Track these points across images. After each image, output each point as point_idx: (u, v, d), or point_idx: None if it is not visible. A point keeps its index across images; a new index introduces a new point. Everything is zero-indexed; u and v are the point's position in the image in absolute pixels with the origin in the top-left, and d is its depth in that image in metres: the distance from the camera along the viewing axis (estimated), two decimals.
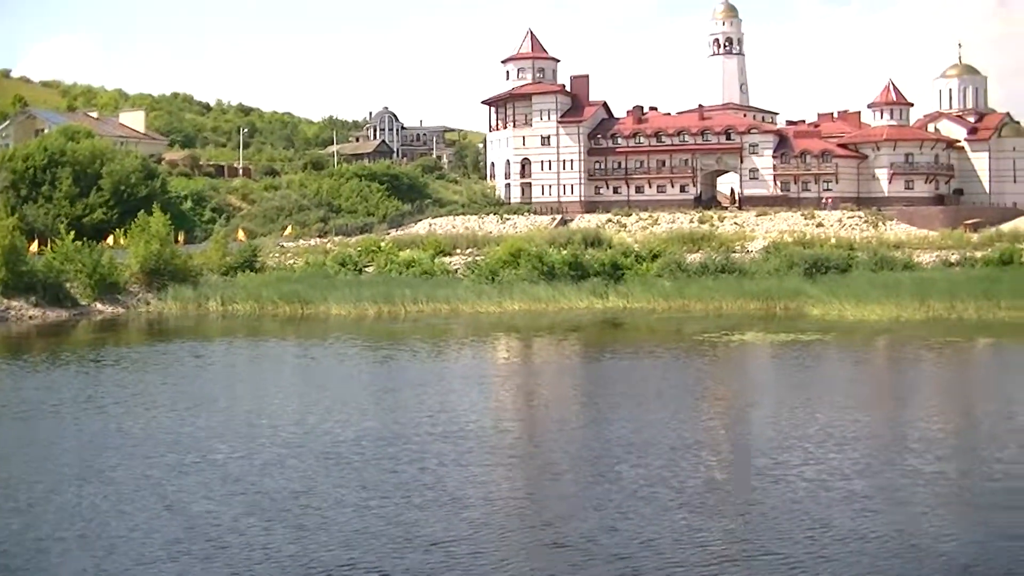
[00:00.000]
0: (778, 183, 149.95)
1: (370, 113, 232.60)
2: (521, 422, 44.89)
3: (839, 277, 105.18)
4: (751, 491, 32.78)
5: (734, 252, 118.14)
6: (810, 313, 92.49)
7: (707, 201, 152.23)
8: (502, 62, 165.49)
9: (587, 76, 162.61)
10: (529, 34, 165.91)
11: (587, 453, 38.68)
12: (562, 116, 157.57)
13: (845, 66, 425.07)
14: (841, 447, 38.93)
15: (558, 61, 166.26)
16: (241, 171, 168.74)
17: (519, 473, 35.47)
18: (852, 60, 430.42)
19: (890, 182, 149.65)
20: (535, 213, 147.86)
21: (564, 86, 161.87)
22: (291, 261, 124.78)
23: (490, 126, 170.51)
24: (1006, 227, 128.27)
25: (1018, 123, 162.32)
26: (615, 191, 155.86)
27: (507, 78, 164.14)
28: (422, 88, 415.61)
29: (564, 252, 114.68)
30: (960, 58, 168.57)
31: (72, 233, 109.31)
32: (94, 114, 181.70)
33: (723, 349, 71.38)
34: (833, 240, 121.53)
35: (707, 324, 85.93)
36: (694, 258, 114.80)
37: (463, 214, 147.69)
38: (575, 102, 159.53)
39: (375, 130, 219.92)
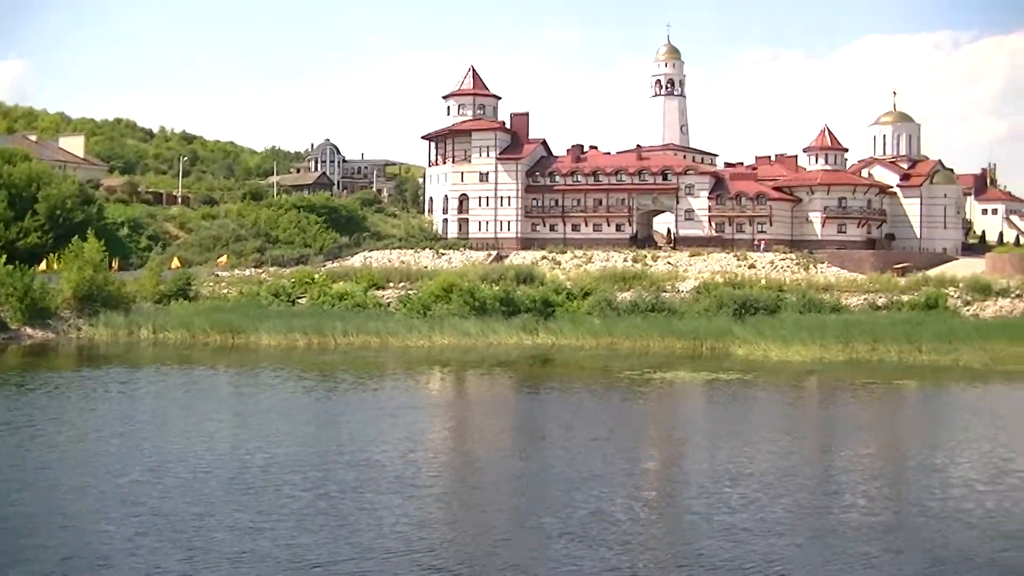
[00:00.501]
0: (713, 224, 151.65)
1: (312, 145, 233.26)
2: (428, 453, 45.47)
3: (767, 318, 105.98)
4: (638, 523, 33.60)
5: (665, 292, 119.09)
6: (735, 353, 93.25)
7: (643, 240, 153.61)
8: (443, 98, 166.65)
9: (527, 114, 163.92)
10: (471, 71, 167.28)
11: (487, 483, 39.59)
12: (501, 153, 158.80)
13: (785, 110, 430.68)
14: (735, 482, 39.90)
15: (499, 98, 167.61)
16: (180, 199, 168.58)
17: (414, 501, 35.97)
18: (792, 105, 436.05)
19: (823, 225, 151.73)
20: (472, 249, 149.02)
21: (504, 123, 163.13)
22: (225, 291, 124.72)
23: (430, 161, 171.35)
24: (934, 272, 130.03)
25: (950, 170, 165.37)
26: (552, 228, 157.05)
27: (448, 114, 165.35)
28: (365, 121, 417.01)
29: (496, 288, 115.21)
30: (895, 105, 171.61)
31: (4, 256, 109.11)
32: (33, 137, 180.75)
33: (643, 387, 72.11)
34: (763, 281, 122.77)
35: (633, 362, 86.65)
36: (625, 296, 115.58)
37: (400, 248, 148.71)
38: (515, 139, 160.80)
39: (316, 162, 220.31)
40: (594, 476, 40.73)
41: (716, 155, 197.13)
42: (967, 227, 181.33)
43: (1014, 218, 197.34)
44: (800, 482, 40.13)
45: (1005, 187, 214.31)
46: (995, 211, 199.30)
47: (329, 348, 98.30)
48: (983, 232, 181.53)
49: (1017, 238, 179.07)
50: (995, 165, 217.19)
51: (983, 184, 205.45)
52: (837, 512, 35.28)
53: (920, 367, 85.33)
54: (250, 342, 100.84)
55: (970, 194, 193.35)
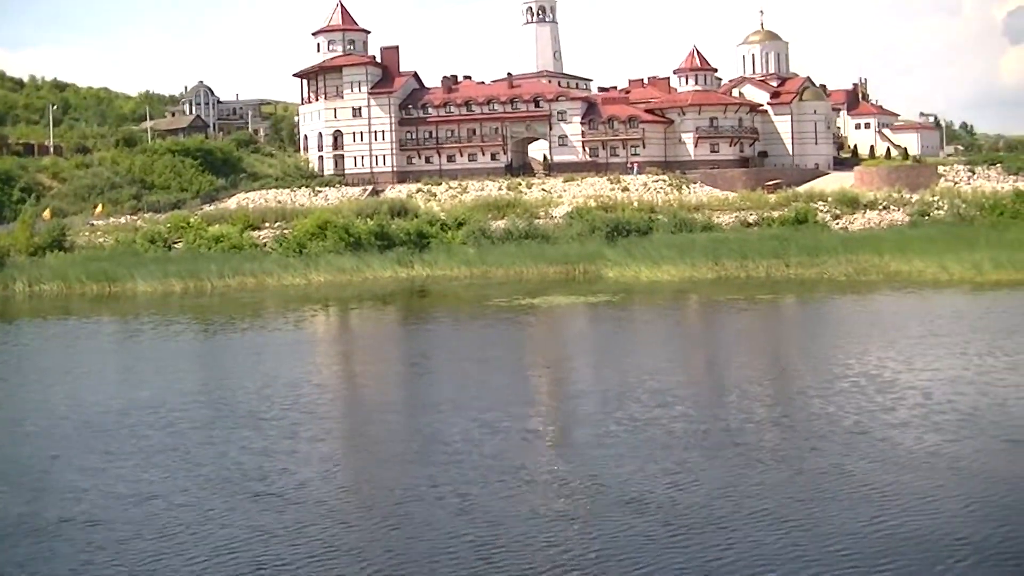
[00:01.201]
0: (587, 149, 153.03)
1: (185, 87, 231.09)
2: (284, 387, 45.70)
3: (639, 240, 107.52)
4: (465, 441, 34.36)
5: (538, 219, 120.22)
6: (607, 276, 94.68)
7: (518, 168, 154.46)
8: (313, 34, 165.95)
9: (397, 47, 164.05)
10: (339, 6, 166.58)
11: (336, 414, 40.43)
12: (373, 87, 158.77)
13: (658, 33, 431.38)
14: (575, 400, 41.17)
15: (368, 33, 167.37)
16: (52, 149, 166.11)
17: (261, 433, 36.52)
18: (664, 27, 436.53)
19: (696, 146, 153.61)
20: (348, 185, 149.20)
21: (375, 58, 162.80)
22: (101, 239, 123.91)
23: (302, 99, 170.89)
24: (804, 188, 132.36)
25: (818, 87, 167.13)
26: (427, 161, 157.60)
27: (318, 51, 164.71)
28: (240, 62, 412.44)
29: (370, 223, 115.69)
30: (762, 24, 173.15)
31: None
32: None
33: (512, 314, 72.57)
34: (635, 204, 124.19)
35: (506, 290, 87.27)
36: (499, 225, 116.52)
37: (276, 187, 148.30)
38: (386, 73, 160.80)
39: (191, 105, 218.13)
40: (448, 402, 41.47)
41: (590, 80, 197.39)
42: (840, 142, 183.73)
43: (886, 131, 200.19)
44: (638, 396, 41.04)
45: (876, 101, 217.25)
46: (867, 125, 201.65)
47: (205, 292, 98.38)
48: (855, 146, 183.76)
49: (888, 151, 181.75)
50: (866, 80, 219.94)
51: (855, 99, 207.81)
52: (665, 423, 36.20)
53: (786, 281, 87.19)
54: (126, 290, 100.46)
55: (841, 109, 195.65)
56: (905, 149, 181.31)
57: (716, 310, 74.24)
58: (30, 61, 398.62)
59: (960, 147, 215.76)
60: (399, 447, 34.37)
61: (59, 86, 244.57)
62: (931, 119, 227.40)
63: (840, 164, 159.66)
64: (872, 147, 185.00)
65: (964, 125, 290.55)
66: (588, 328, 67.60)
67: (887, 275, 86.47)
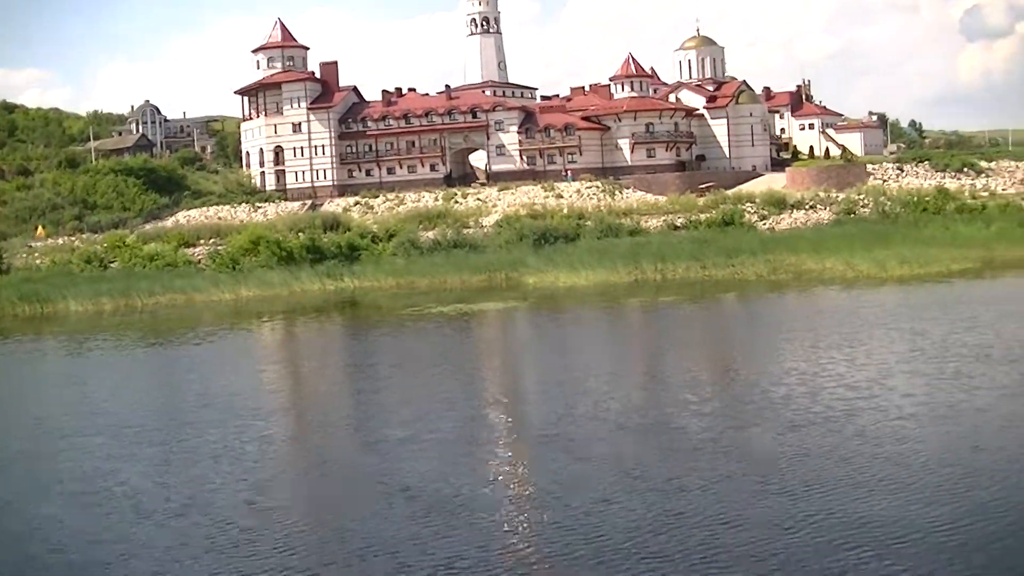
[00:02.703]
0: (524, 158, 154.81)
1: (132, 107, 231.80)
2: (180, 404, 47.19)
3: (565, 246, 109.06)
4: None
5: (468, 228, 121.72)
6: (527, 283, 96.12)
7: (458, 179, 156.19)
8: (252, 52, 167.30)
9: (336, 63, 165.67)
10: (278, 23, 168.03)
11: (190, 417, 41.76)
12: (312, 103, 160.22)
13: (603, 41, 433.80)
14: (448, 408, 42.80)
15: (308, 49, 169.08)
16: None
17: (119, 440, 38.02)
18: (608, 35, 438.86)
19: (632, 151, 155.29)
20: (289, 200, 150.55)
21: (314, 73, 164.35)
22: (38, 261, 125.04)
23: (243, 116, 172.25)
24: (736, 190, 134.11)
25: (753, 90, 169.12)
26: (368, 174, 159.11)
27: (258, 67, 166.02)
28: (188, 82, 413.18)
29: (302, 237, 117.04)
30: (698, 30, 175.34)
31: None
32: None
33: (405, 321, 75.05)
34: (565, 211, 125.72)
35: (421, 299, 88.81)
36: (429, 236, 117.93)
37: (217, 204, 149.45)
38: (325, 89, 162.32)
39: (137, 124, 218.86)
40: (334, 412, 43.12)
41: (536, 88, 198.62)
42: (783, 143, 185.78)
43: (830, 131, 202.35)
44: (489, 395, 42.75)
45: (821, 102, 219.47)
46: (811, 126, 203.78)
47: (136, 309, 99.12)
48: (795, 148, 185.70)
49: (827, 151, 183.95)
50: (809, 81, 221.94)
51: (799, 100, 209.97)
52: (487, 421, 38.02)
53: (698, 283, 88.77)
54: (58, 310, 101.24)
55: (785, 111, 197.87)
56: (843, 148, 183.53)
57: (612, 312, 76.55)
58: None
59: (903, 145, 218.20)
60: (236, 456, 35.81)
61: (7, 107, 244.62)
62: (874, 118, 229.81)
63: (779, 165, 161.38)
64: (813, 148, 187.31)
65: (913, 123, 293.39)
66: (482, 333, 69.53)
67: (797, 274, 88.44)
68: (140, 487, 31.62)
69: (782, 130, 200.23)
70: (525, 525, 26.22)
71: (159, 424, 41.32)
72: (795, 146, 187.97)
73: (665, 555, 23.09)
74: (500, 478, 30.94)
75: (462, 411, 40.31)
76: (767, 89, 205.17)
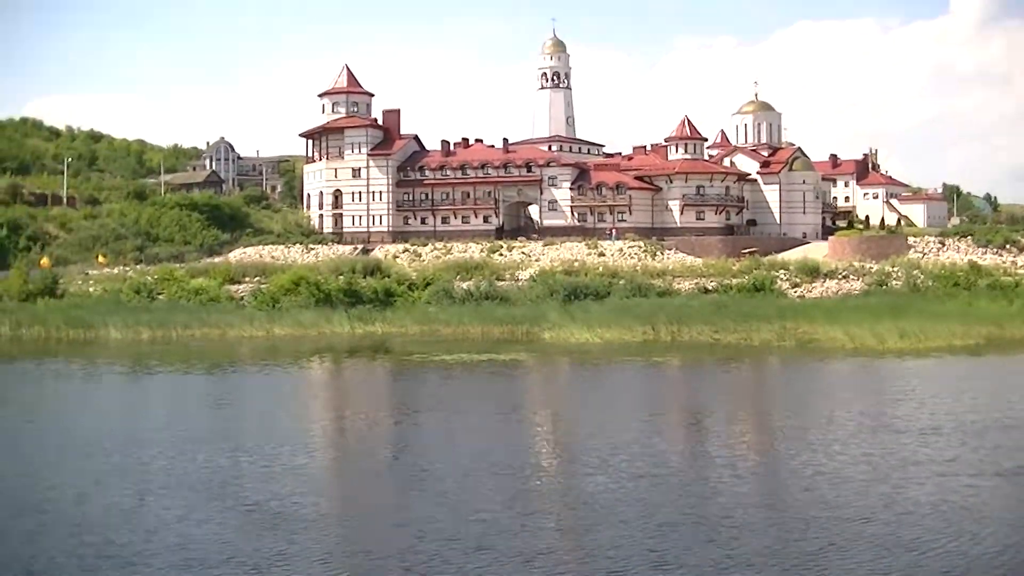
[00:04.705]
0: (575, 214, 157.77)
1: (208, 143, 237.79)
2: (154, 433, 50.61)
3: (593, 303, 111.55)
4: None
5: (502, 280, 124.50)
6: (543, 337, 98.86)
7: (511, 231, 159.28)
8: (318, 96, 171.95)
9: (398, 111, 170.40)
10: (345, 69, 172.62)
11: (154, 452, 44.99)
12: (372, 149, 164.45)
13: (674, 102, 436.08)
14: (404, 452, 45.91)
15: (372, 96, 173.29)
16: (66, 200, 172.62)
17: (118, 479, 41.14)
18: (678, 96, 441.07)
19: (682, 213, 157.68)
20: (344, 243, 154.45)
21: (376, 120, 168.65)
22: (91, 288, 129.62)
23: (306, 158, 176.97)
24: (782, 256, 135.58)
25: (807, 157, 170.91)
26: (422, 221, 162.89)
27: (323, 111, 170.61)
28: (263, 121, 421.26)
29: (341, 280, 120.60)
30: (756, 95, 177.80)
31: None
32: None
33: (410, 366, 78.57)
34: (600, 268, 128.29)
35: (438, 347, 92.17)
36: (464, 286, 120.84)
37: (274, 244, 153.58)
38: (386, 135, 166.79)
39: (211, 160, 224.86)
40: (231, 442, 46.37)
41: (602, 145, 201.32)
42: (836, 211, 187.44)
43: (894, 201, 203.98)
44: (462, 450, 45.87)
45: (887, 172, 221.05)
46: (876, 195, 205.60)
47: (171, 340, 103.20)
48: (853, 217, 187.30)
49: (898, 220, 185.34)
50: (876, 150, 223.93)
51: (865, 169, 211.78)
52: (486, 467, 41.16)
53: (705, 345, 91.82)
54: (99, 336, 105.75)
55: (838, 178, 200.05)
56: (899, 219, 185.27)
57: (601, 371, 79.20)
58: (71, 109, 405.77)
59: (966, 219, 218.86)
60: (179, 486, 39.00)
61: (94, 137, 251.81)
62: (938, 190, 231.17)
63: (832, 233, 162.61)
64: (869, 217, 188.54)
65: (988, 196, 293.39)
66: (464, 383, 72.92)
67: (801, 342, 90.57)
68: None
69: (847, 198, 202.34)
70: None
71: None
72: (856, 215, 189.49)
73: None
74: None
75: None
76: (834, 156, 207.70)
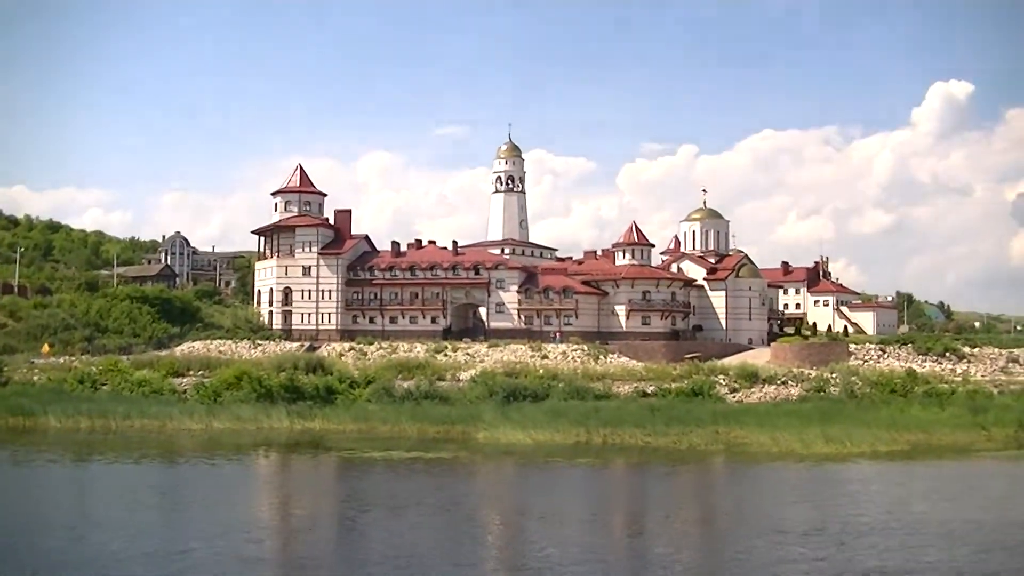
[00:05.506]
0: (522, 316, 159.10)
1: (163, 236, 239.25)
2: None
3: (531, 405, 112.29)
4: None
5: (443, 380, 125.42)
6: (476, 437, 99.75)
7: (459, 332, 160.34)
8: (272, 194, 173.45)
9: (349, 211, 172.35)
10: (299, 169, 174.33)
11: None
12: (323, 248, 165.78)
13: (635, 207, 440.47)
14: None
15: (325, 195, 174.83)
16: (17, 288, 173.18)
17: None
18: (640, 202, 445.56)
19: (628, 318, 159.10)
20: (292, 340, 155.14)
21: (328, 219, 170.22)
22: (36, 377, 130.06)
23: (259, 254, 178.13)
24: (721, 362, 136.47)
25: (754, 265, 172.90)
26: (371, 320, 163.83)
27: (275, 210, 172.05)
28: (220, 216, 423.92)
29: (283, 376, 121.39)
30: (704, 202, 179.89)
31: None
32: None
33: (341, 462, 79.62)
34: (541, 371, 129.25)
35: (370, 444, 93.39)
36: (405, 385, 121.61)
37: (222, 338, 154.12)
38: (337, 235, 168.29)
39: (167, 254, 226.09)
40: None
41: (555, 250, 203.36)
42: (783, 318, 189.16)
43: (844, 309, 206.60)
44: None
45: (838, 279, 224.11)
46: (827, 303, 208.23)
47: (110, 430, 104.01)
48: (802, 323, 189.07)
49: (845, 328, 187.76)
50: (827, 258, 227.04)
51: (816, 277, 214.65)
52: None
53: (633, 448, 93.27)
54: (39, 424, 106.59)
55: (787, 285, 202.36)
56: (846, 326, 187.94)
57: (522, 470, 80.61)
58: (30, 199, 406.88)
59: (915, 327, 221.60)
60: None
61: (52, 227, 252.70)
62: (890, 299, 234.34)
63: (778, 339, 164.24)
64: (816, 324, 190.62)
65: (941, 304, 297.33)
66: (374, 480, 74.00)
67: (729, 446, 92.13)
68: None
69: (797, 305, 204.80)
70: None
71: None
72: (806, 322, 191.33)
73: None
74: None
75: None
76: (785, 264, 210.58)
